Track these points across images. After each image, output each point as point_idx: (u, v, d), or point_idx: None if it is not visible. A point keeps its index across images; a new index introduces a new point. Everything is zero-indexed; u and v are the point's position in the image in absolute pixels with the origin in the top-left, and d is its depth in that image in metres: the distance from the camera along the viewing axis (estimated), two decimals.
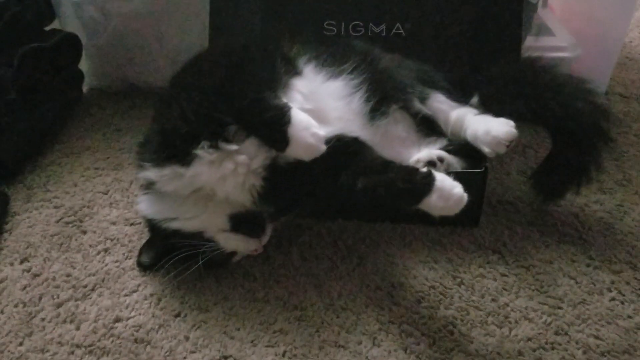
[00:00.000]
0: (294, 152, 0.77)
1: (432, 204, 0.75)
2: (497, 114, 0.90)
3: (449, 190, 0.75)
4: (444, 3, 1.09)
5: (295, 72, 0.88)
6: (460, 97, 0.98)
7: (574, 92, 0.92)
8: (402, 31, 1.09)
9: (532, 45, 1.21)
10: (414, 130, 0.96)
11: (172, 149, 0.79)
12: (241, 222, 0.84)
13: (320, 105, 0.86)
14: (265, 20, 1.12)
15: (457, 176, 0.88)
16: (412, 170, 0.77)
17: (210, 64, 0.85)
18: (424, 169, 0.77)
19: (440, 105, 0.96)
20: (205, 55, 0.91)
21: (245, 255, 0.90)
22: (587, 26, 1.29)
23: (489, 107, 0.94)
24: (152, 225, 0.87)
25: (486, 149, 0.88)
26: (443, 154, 0.88)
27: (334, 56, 0.95)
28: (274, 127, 0.76)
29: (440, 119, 0.96)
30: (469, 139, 0.91)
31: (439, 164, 0.87)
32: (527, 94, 0.92)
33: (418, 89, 0.96)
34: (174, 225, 0.84)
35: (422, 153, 0.88)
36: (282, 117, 0.76)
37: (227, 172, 0.79)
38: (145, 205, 0.87)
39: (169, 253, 0.85)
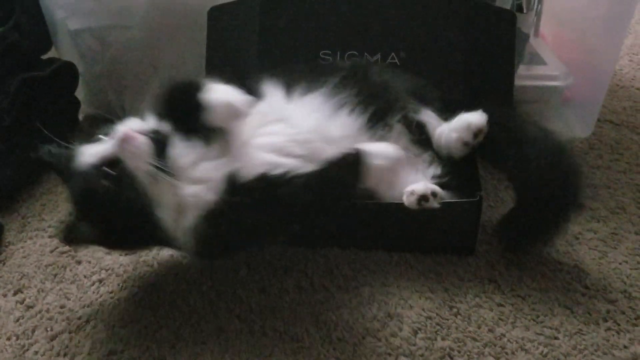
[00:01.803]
0: (216, 117, 0.80)
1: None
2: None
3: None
4: (437, 33, 1.10)
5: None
6: (450, 115, 0.98)
7: (543, 149, 0.89)
8: (396, 60, 1.11)
9: (524, 74, 1.23)
10: (413, 146, 0.97)
11: None
12: None
13: (321, 128, 0.89)
14: (261, 50, 1.13)
15: (452, 205, 0.90)
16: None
17: None
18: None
19: (430, 120, 0.97)
20: None
21: None
22: (579, 54, 1.31)
23: None
24: None
25: (453, 135, 0.91)
26: (437, 189, 0.88)
27: (319, 78, 0.96)
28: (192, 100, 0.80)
29: (430, 130, 0.97)
30: (438, 138, 0.95)
31: (431, 198, 0.87)
32: (497, 144, 0.92)
33: (411, 103, 0.98)
34: None
35: (417, 185, 0.88)
36: (198, 88, 0.80)
37: None
38: None
39: None
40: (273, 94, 0.93)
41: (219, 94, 0.80)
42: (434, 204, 0.87)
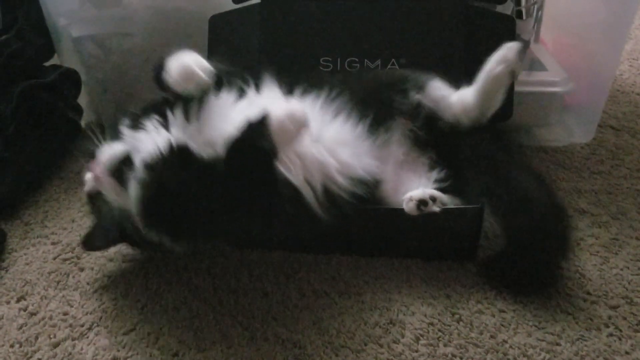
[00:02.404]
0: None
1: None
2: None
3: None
4: (438, 39, 1.11)
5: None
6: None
7: (534, 198, 0.89)
8: (397, 66, 1.11)
9: (525, 79, 1.23)
10: (414, 149, 0.97)
11: None
12: None
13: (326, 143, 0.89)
14: (261, 57, 1.13)
15: (454, 212, 0.90)
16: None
17: None
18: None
19: (440, 91, 0.97)
20: None
21: None
22: (579, 60, 1.31)
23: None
24: None
25: (500, 67, 0.92)
26: (436, 193, 0.89)
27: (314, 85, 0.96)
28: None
29: (443, 106, 0.97)
30: (480, 86, 0.95)
31: (430, 203, 0.88)
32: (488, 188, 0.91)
33: (413, 77, 0.98)
34: None
35: (415, 191, 0.89)
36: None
37: None
38: None
39: None
40: (271, 90, 0.94)
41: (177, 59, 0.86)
42: (434, 208, 0.87)
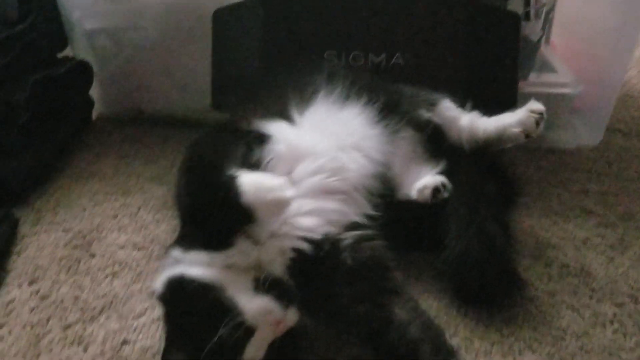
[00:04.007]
0: (264, 216, 0.76)
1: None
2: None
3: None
4: (442, 34, 1.12)
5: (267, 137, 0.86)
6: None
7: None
8: (401, 61, 1.12)
9: (535, 81, 1.25)
10: (421, 150, 0.98)
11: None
12: (268, 285, 0.75)
13: (332, 133, 0.89)
14: (265, 51, 1.14)
15: None
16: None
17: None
18: None
19: (450, 112, 0.98)
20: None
21: (263, 343, 0.74)
22: (589, 64, 1.32)
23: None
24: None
25: (516, 130, 0.94)
26: (445, 179, 0.90)
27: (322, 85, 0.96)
28: (231, 206, 0.74)
29: (451, 127, 0.98)
30: (493, 132, 0.96)
31: (442, 189, 0.89)
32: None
33: (425, 95, 0.99)
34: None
35: (427, 179, 0.90)
36: (230, 191, 0.74)
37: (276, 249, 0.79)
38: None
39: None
40: (278, 129, 0.88)
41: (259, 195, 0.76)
42: (446, 194, 0.88)
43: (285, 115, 0.90)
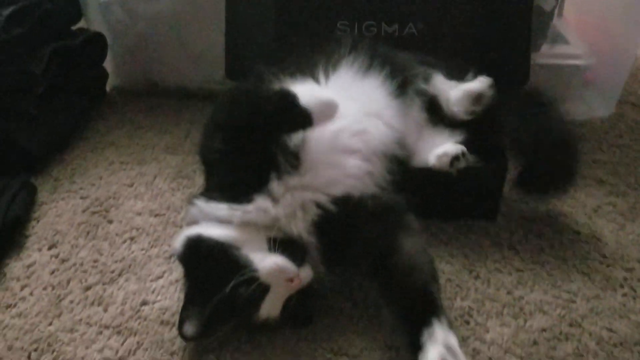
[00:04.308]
0: (318, 119, 0.80)
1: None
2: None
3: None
4: (455, 4, 1.12)
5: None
6: (458, 76, 1.01)
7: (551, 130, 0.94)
8: (414, 31, 1.12)
9: (547, 52, 1.25)
10: (428, 116, 0.99)
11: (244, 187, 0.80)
12: (281, 245, 0.77)
13: (355, 99, 0.90)
14: (278, 21, 1.15)
15: (477, 171, 0.92)
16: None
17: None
18: None
19: (442, 85, 0.99)
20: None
21: (278, 300, 0.76)
22: (601, 38, 1.32)
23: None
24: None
25: (456, 107, 0.95)
26: (464, 148, 0.90)
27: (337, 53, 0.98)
28: (290, 110, 0.79)
29: (442, 99, 0.98)
30: (446, 103, 0.97)
31: (461, 158, 0.89)
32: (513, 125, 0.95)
33: (421, 69, 1.00)
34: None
35: (447, 146, 0.90)
36: (288, 97, 0.79)
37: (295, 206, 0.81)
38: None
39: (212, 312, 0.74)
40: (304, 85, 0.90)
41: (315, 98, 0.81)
42: (463, 163, 0.89)
43: (314, 77, 0.93)
